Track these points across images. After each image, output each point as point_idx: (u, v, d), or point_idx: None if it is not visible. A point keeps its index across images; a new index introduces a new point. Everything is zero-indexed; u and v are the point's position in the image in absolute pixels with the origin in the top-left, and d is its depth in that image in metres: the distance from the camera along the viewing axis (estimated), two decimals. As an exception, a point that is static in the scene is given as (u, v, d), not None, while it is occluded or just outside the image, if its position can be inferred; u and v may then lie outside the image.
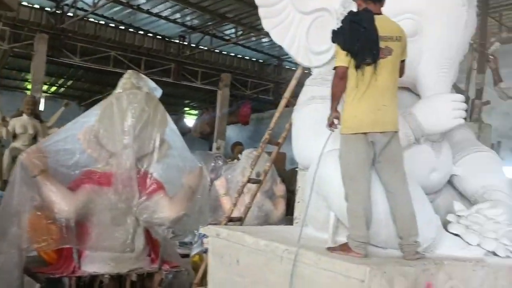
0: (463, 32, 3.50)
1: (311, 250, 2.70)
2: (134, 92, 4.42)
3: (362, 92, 2.72)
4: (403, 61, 2.95)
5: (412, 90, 3.71)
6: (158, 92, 4.72)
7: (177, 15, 12.05)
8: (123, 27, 12.64)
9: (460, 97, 3.29)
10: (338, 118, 2.81)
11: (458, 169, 3.66)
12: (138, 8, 11.67)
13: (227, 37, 12.73)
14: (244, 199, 5.16)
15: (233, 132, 18.28)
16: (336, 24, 3.60)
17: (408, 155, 3.36)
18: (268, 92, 15.27)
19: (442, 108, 3.24)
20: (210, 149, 13.78)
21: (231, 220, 4.36)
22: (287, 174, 8.35)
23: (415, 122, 3.25)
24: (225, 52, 14.15)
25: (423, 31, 3.46)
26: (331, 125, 2.86)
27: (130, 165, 4.29)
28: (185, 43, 13.18)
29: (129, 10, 11.79)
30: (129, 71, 4.71)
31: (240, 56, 14.54)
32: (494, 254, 3.14)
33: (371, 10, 2.76)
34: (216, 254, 3.43)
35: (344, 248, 2.72)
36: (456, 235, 3.19)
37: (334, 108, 2.82)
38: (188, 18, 12.20)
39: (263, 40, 12.70)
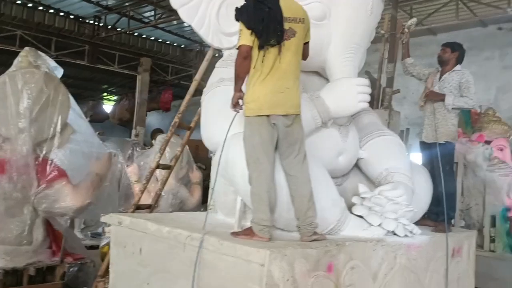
0: (368, 18, 3.56)
1: (214, 236, 2.61)
2: (31, 71, 4.07)
3: (266, 74, 2.66)
4: (306, 44, 2.92)
5: (322, 74, 3.75)
6: (59, 71, 4.39)
7: (92, -6, 11.40)
8: (31, 5, 11.72)
9: (365, 81, 3.35)
10: (241, 98, 2.73)
11: (364, 153, 3.75)
12: (48, -15, 10.88)
13: (146, 20, 12.23)
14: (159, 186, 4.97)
15: (154, 119, 17.77)
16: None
17: (315, 139, 3.40)
18: (190, 78, 14.75)
19: (347, 92, 3.29)
20: (131, 137, 13.29)
21: (139, 208, 4.16)
22: (210, 161, 8.20)
23: (322, 105, 3.26)
24: (144, 36, 13.58)
25: (331, 15, 3.48)
26: (235, 105, 2.77)
27: (27, 151, 3.97)
28: (101, 24, 12.51)
29: (38, -14, 10.96)
30: (26, 48, 4.33)
31: (161, 40, 14.03)
32: (394, 233, 3.25)
33: None
34: (119, 243, 3.25)
35: (247, 232, 2.67)
36: (360, 216, 3.26)
37: (238, 88, 2.74)
38: (104, -3, 11.60)
39: (185, 24, 12.29)
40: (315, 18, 3.43)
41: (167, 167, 4.29)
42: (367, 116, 4.01)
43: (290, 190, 2.78)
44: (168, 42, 14.27)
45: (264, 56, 2.64)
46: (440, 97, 4.06)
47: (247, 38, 2.64)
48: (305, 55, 2.97)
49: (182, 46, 14.34)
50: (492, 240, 6.31)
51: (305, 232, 2.72)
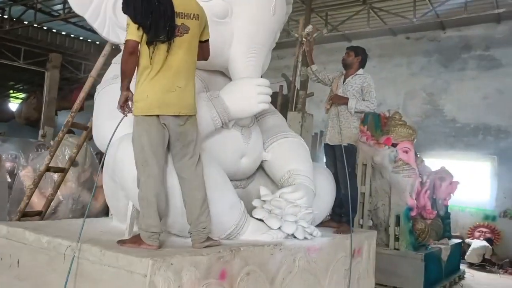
0: (271, 18, 3.51)
1: (97, 245, 2.40)
2: None
3: (156, 71, 2.50)
4: (205, 42, 2.81)
5: (226, 74, 3.65)
6: None
7: (-6, -17, 10.52)
8: None
9: (265, 81, 3.29)
10: (129, 98, 2.55)
11: (268, 155, 3.70)
12: None
13: (55, 13, 11.49)
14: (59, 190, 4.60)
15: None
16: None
17: (216, 140, 3.29)
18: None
19: (248, 92, 3.21)
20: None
21: (26, 215, 3.80)
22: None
23: (221, 106, 3.15)
24: (55, 30, 12.79)
25: (234, 13, 3.39)
26: (122, 106, 2.58)
27: None
28: (5, 16, 11.57)
29: None
30: None
31: (73, 35, 13.28)
32: (294, 236, 3.22)
33: None
34: (-6, 255, 2.91)
35: (135, 240, 2.49)
36: (260, 220, 3.19)
37: (124, 87, 2.55)
38: (8, -13, 10.75)
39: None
40: (217, 16, 3.34)
41: (60, 170, 3.96)
42: (272, 118, 3.97)
43: (182, 193, 2.63)
44: (81, 38, 13.54)
45: (153, 52, 2.48)
46: (344, 101, 4.12)
47: (134, 33, 2.47)
48: (205, 54, 2.86)
49: (97, 42, 13.67)
50: (397, 239, 6.56)
51: (197, 239, 2.59)
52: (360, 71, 4.24)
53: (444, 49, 11.38)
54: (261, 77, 3.53)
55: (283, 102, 8.02)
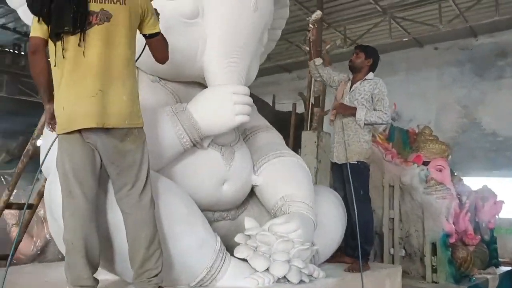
0: (253, 15, 2.94)
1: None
2: None
3: (68, 73, 1.96)
4: (154, 37, 2.26)
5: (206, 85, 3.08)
6: None
7: None
8: None
9: (244, 89, 2.70)
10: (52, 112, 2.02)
11: (258, 179, 3.09)
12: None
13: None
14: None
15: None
16: None
17: (189, 163, 2.73)
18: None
19: (221, 103, 2.63)
20: None
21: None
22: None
23: (188, 120, 2.58)
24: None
25: (205, 12, 2.84)
26: (49, 124, 2.06)
27: None
28: (22, 52, 11.46)
29: None
30: None
31: None
32: (287, 280, 2.56)
33: None
34: None
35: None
36: (244, 260, 2.56)
37: (45, 99, 2.05)
38: None
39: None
40: (185, 16, 2.82)
41: (28, 207, 3.45)
42: (265, 135, 3.37)
43: (126, 232, 2.05)
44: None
45: (64, 49, 1.94)
46: (351, 111, 3.47)
47: (36, 28, 1.97)
48: (157, 54, 2.35)
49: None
50: (434, 270, 5.74)
51: None
52: (370, 75, 3.59)
53: (477, 58, 10.52)
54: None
55: (298, 121, 7.42)
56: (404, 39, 10.55)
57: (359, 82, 3.56)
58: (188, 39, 2.84)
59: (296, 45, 9.12)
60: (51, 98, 2.02)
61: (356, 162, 3.37)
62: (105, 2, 1.99)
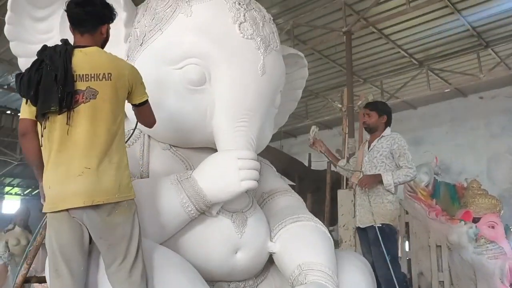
0: (260, 79, 2.92)
1: None
2: None
3: (55, 152, 1.96)
4: (142, 106, 2.28)
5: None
6: None
7: None
8: None
9: (249, 153, 2.62)
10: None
11: (275, 246, 2.92)
12: None
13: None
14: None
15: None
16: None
17: (197, 232, 2.62)
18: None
19: (226, 169, 2.56)
20: None
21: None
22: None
23: (192, 188, 2.52)
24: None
25: (212, 78, 2.86)
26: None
27: None
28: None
29: None
30: None
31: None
32: None
33: (69, 43, 2.07)
34: None
35: None
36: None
37: (39, 178, 2.04)
38: None
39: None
40: (192, 83, 2.83)
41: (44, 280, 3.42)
42: (283, 199, 3.24)
43: None
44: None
45: (47, 129, 1.97)
46: (377, 180, 3.27)
47: (24, 110, 2.00)
48: (146, 120, 2.37)
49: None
50: None
51: None
52: (387, 131, 3.43)
53: (526, 104, 10.08)
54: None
55: (334, 180, 7.21)
56: (446, 90, 10.28)
57: (376, 140, 3.40)
58: (196, 106, 2.84)
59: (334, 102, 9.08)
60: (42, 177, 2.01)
61: (381, 225, 3.14)
62: (91, 80, 2.00)
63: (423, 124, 11.26)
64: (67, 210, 1.92)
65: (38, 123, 1.98)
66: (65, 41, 2.07)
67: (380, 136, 3.41)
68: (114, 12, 2.23)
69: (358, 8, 7.61)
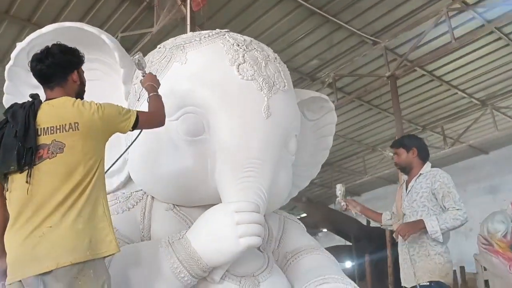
0: (264, 124, 2.61)
1: None
2: None
3: (15, 214, 1.73)
4: (138, 123, 2.03)
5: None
6: None
7: None
8: None
9: (249, 205, 2.25)
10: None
11: (298, 314, 2.46)
12: None
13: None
14: None
15: None
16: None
17: None
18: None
19: (222, 225, 2.20)
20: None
21: None
22: None
23: (185, 251, 2.17)
24: None
25: (210, 126, 2.60)
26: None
27: None
28: None
29: None
30: None
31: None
32: None
33: (38, 97, 1.91)
34: None
35: None
36: None
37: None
38: None
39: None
40: (189, 134, 2.59)
41: None
42: (310, 259, 2.79)
43: None
44: None
45: (10, 190, 1.76)
46: (418, 227, 2.73)
47: None
48: (152, 125, 2.23)
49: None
50: None
51: None
52: (426, 167, 2.90)
53: None
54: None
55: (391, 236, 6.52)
56: (517, 129, 9.37)
57: (414, 180, 2.88)
58: (196, 158, 2.57)
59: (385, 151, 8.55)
60: (3, 253, 1.77)
61: (428, 284, 2.57)
62: (56, 132, 1.79)
63: (497, 169, 10.24)
64: (20, 281, 1.65)
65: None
66: (33, 96, 1.93)
67: (418, 175, 2.89)
68: (81, 55, 2.07)
69: (401, 52, 7.24)
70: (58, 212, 1.71)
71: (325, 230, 10.30)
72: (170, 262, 2.14)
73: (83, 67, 2.93)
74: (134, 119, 1.97)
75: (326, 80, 7.74)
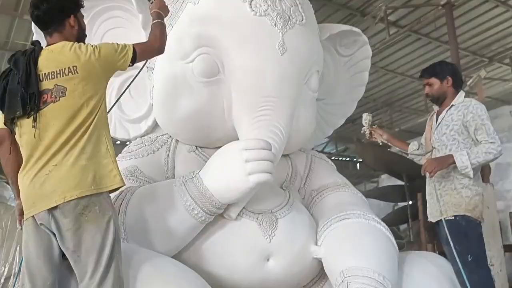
0: (279, 60, 2.54)
1: None
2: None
3: (27, 158, 1.83)
4: (136, 57, 1.98)
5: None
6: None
7: None
8: None
9: (257, 143, 2.23)
10: None
11: (320, 250, 2.48)
12: None
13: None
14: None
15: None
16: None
17: (218, 239, 2.37)
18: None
19: (231, 163, 2.22)
20: None
21: None
22: None
23: (197, 189, 2.22)
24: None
25: (225, 66, 2.57)
26: (19, 221, 1.97)
27: None
28: None
29: None
30: None
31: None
32: None
33: (39, 43, 1.95)
34: None
35: None
36: None
37: (15, 194, 1.93)
38: None
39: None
40: (204, 75, 2.59)
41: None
42: (334, 196, 2.77)
43: None
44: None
45: (19, 135, 1.85)
46: (447, 162, 2.53)
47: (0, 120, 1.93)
48: (153, 54, 2.13)
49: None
50: None
51: None
52: (459, 97, 2.67)
53: None
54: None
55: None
56: None
57: (445, 111, 2.68)
58: (212, 99, 2.58)
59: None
60: (19, 194, 1.89)
61: (453, 218, 2.45)
62: (57, 77, 1.85)
63: None
64: (33, 217, 1.78)
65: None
66: (33, 43, 1.99)
67: (450, 106, 2.68)
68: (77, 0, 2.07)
69: (460, -24, 6.61)
70: (62, 151, 1.80)
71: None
72: (183, 200, 2.21)
73: (104, 16, 3.00)
74: (132, 54, 1.96)
75: (378, 14, 7.30)
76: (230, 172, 2.20)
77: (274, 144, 2.42)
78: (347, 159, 14.16)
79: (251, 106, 2.52)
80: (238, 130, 2.56)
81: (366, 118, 2.91)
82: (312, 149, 3.46)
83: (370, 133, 2.90)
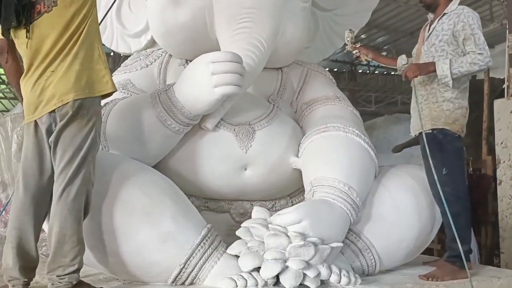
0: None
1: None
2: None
3: (27, 66, 1.97)
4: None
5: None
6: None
7: None
8: None
9: (224, 55, 2.25)
10: None
11: (298, 160, 2.56)
12: None
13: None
14: None
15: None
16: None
17: (196, 148, 2.50)
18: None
19: (199, 75, 2.27)
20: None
21: None
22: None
23: (170, 100, 2.33)
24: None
25: (205, -24, 2.56)
26: None
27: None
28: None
29: None
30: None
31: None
32: (277, 283, 2.03)
33: None
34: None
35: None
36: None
37: (19, 98, 2.11)
38: None
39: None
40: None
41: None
42: (323, 109, 2.76)
43: None
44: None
45: (18, 45, 1.99)
46: (428, 69, 2.39)
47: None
48: None
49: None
50: None
51: None
52: (452, 5, 2.44)
53: None
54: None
55: (494, 88, 5.87)
56: None
57: (436, 21, 2.48)
58: (193, 11, 2.61)
59: None
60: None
61: (430, 131, 2.38)
62: None
63: None
64: (35, 122, 1.96)
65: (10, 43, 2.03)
66: None
67: (442, 14, 2.49)
68: None
69: None
70: (58, 58, 1.93)
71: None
72: (156, 111, 2.32)
73: None
74: None
75: None
76: (197, 84, 2.27)
77: (252, 57, 2.44)
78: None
79: (231, 18, 2.52)
80: (220, 43, 2.58)
81: (348, 35, 2.78)
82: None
83: (357, 53, 2.78)
